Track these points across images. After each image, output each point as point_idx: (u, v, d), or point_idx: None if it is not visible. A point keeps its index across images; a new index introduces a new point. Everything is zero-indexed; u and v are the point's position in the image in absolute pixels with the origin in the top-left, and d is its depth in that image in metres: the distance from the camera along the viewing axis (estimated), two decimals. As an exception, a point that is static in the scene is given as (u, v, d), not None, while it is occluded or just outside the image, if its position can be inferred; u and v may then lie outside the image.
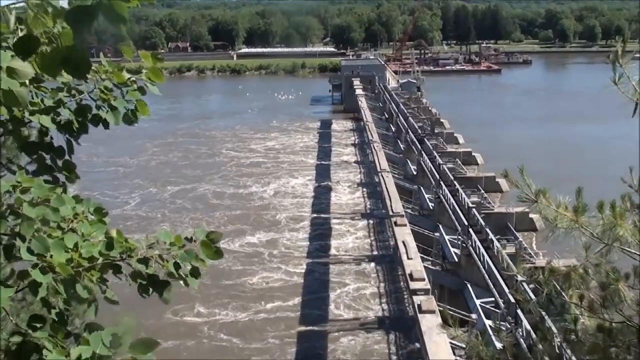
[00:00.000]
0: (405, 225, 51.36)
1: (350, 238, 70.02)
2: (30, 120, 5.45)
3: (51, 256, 4.61)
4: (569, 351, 11.24)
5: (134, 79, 5.70)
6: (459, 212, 58.78)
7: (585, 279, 10.39)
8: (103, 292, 5.06)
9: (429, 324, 33.11)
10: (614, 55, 9.58)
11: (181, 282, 5.15)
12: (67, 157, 5.86)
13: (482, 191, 69.98)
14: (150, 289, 5.17)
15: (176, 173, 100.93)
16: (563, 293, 10.89)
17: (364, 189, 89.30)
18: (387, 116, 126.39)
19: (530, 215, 61.48)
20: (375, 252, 65.92)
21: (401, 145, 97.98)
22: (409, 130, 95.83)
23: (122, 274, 5.06)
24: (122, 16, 3.79)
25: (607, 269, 10.07)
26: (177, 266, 5.04)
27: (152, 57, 5.59)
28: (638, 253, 9.65)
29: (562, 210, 10.20)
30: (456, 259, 54.98)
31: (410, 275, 39.64)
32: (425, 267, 44.91)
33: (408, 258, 43.43)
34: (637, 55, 9.89)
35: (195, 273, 5.18)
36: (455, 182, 67.39)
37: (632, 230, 9.57)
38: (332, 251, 66.26)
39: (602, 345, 10.15)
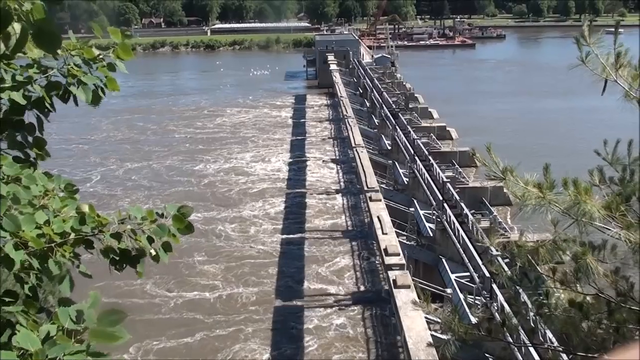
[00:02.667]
0: (380, 200, 51.40)
1: (324, 213, 70.03)
2: (0, 97, 5.41)
3: (23, 231, 4.59)
4: (543, 324, 11.33)
5: (102, 56, 5.67)
6: (434, 186, 58.78)
7: (553, 254, 10.44)
8: (77, 267, 5.06)
9: (404, 298, 33.22)
10: (579, 35, 9.60)
11: (150, 257, 5.16)
12: (37, 134, 5.83)
13: (457, 166, 70.10)
14: (125, 264, 5.18)
15: (144, 150, 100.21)
16: (537, 267, 10.96)
17: (339, 164, 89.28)
18: (361, 91, 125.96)
19: (505, 190, 61.47)
20: (350, 228, 66.01)
21: (375, 120, 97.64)
22: (384, 105, 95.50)
23: (95, 249, 5.05)
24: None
25: (576, 243, 10.12)
26: (150, 240, 5.04)
27: (121, 34, 5.57)
28: (607, 227, 9.69)
29: (530, 187, 10.25)
30: (431, 234, 55.02)
31: (385, 250, 39.69)
32: (400, 242, 45.00)
33: (383, 233, 43.49)
34: (611, 29, 9.89)
35: (166, 248, 5.19)
36: (429, 157, 67.22)
37: (598, 205, 9.61)
38: (307, 226, 66.18)
39: (574, 319, 10.23)
